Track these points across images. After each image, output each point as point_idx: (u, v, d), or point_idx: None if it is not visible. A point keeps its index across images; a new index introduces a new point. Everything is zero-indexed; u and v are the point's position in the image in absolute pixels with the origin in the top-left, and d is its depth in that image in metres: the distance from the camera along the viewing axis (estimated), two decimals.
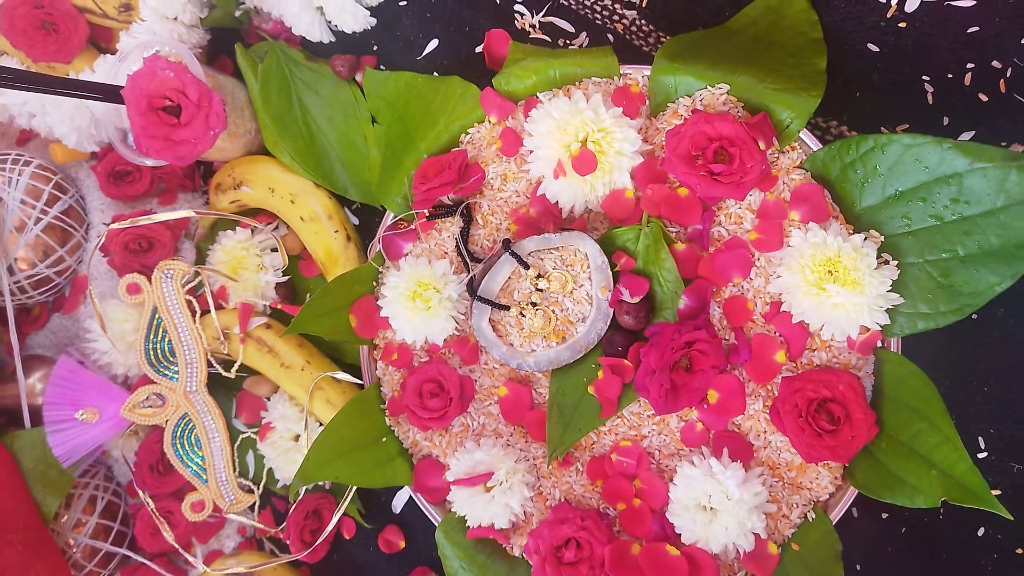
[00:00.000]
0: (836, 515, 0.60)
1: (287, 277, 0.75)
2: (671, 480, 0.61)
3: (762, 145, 0.58)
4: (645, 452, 0.63)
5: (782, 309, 0.59)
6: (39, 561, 0.65)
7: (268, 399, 0.76)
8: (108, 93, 0.63)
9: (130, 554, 0.77)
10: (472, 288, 0.64)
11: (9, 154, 0.76)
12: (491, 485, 0.64)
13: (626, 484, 0.63)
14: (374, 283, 0.69)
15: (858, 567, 0.68)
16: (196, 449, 0.73)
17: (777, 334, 0.60)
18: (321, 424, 0.72)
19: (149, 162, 0.68)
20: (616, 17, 0.69)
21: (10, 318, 0.74)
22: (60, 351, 0.79)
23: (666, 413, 0.61)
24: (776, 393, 0.59)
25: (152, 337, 0.71)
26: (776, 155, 0.60)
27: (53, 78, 0.60)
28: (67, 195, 0.77)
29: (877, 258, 0.56)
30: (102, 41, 0.79)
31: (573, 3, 0.70)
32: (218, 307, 0.73)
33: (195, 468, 0.73)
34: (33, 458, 0.70)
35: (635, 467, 0.63)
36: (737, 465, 0.59)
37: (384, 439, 0.69)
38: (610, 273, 0.61)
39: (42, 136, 0.79)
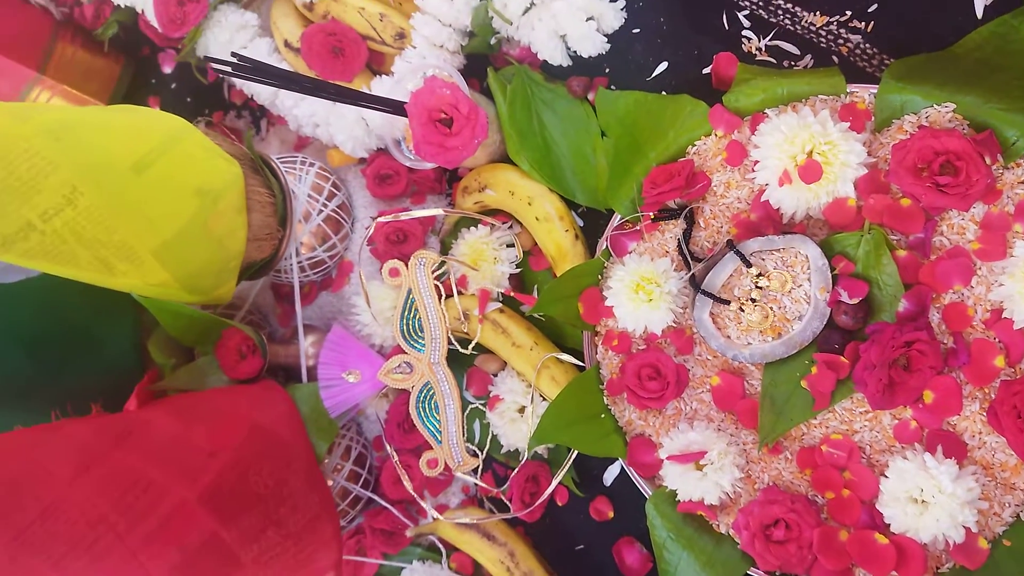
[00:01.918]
0: None
1: (519, 269, 0.85)
2: (881, 474, 0.64)
3: (987, 160, 0.61)
4: (856, 446, 0.66)
5: (1004, 316, 0.61)
6: (315, 491, 0.78)
7: (494, 376, 0.86)
8: (395, 107, 0.75)
9: (375, 498, 0.89)
10: (695, 283, 0.71)
11: (298, 156, 0.91)
12: (703, 464, 0.70)
13: (836, 474, 0.66)
14: (599, 276, 0.78)
15: None
16: (434, 413, 0.83)
17: (997, 340, 0.62)
18: (544, 399, 0.81)
19: (428, 164, 0.80)
20: (841, 40, 0.74)
21: (296, 290, 0.88)
22: (325, 323, 0.93)
23: (881, 409, 0.64)
24: (993, 396, 0.62)
25: (406, 314, 0.83)
26: (1000, 171, 0.62)
27: (361, 92, 0.73)
28: (341, 192, 0.92)
29: None
30: (374, 64, 0.93)
31: (799, 28, 0.75)
32: (459, 293, 0.85)
33: (432, 429, 0.83)
34: (309, 407, 0.83)
35: (846, 459, 0.66)
36: (951, 462, 0.61)
37: (602, 416, 0.77)
38: (829, 275, 0.65)
39: (321, 143, 0.94)
